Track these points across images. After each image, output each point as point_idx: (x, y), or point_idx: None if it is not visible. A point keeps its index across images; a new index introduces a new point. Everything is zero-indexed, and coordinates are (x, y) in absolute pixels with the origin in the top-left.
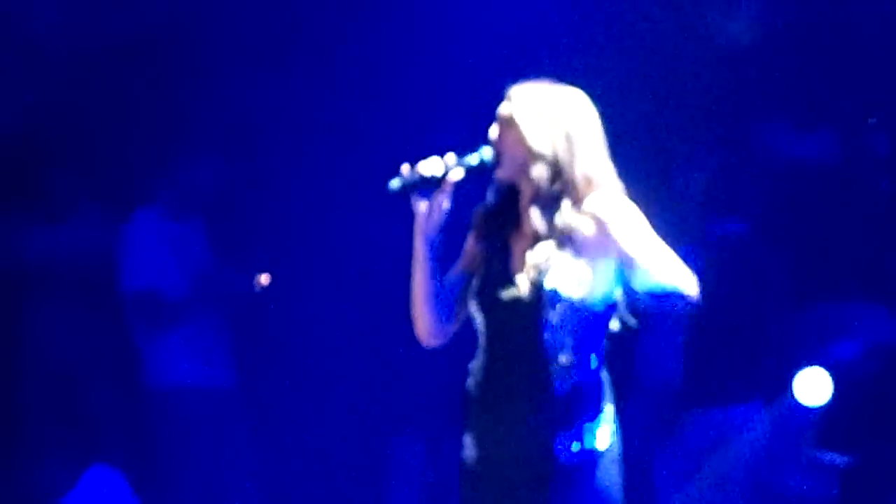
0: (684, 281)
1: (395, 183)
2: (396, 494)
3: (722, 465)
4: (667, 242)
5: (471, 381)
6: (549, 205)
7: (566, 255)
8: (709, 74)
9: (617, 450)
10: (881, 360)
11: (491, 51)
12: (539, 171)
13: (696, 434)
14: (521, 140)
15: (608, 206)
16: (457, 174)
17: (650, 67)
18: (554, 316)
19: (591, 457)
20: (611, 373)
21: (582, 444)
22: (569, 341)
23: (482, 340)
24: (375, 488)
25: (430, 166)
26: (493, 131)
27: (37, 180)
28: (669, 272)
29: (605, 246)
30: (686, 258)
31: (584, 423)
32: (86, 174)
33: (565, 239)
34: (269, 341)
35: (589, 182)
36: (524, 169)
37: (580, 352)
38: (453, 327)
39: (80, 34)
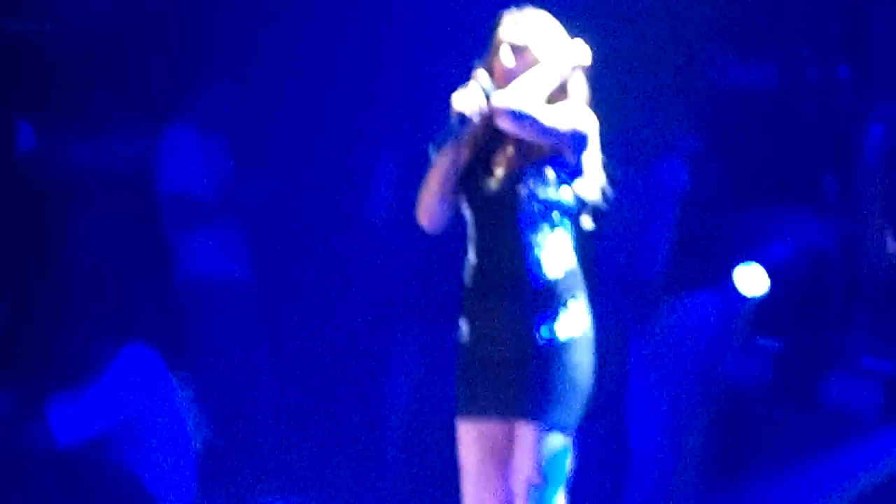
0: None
1: (448, 132)
2: (397, 378)
3: (678, 350)
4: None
5: (465, 272)
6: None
7: (540, 158)
8: (667, 15)
9: (590, 335)
10: (810, 258)
11: None
12: (569, 93)
13: (664, 321)
14: (535, 63)
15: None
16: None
17: (615, 7)
18: (529, 214)
19: (565, 340)
20: (583, 265)
21: (556, 329)
22: (543, 238)
23: (472, 233)
24: (380, 372)
25: (469, 101)
26: (508, 57)
27: (80, 97)
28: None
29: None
30: (651, 170)
31: (559, 310)
32: (124, 92)
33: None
34: (283, 240)
35: (579, 99)
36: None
37: (552, 244)
38: (450, 214)
39: None
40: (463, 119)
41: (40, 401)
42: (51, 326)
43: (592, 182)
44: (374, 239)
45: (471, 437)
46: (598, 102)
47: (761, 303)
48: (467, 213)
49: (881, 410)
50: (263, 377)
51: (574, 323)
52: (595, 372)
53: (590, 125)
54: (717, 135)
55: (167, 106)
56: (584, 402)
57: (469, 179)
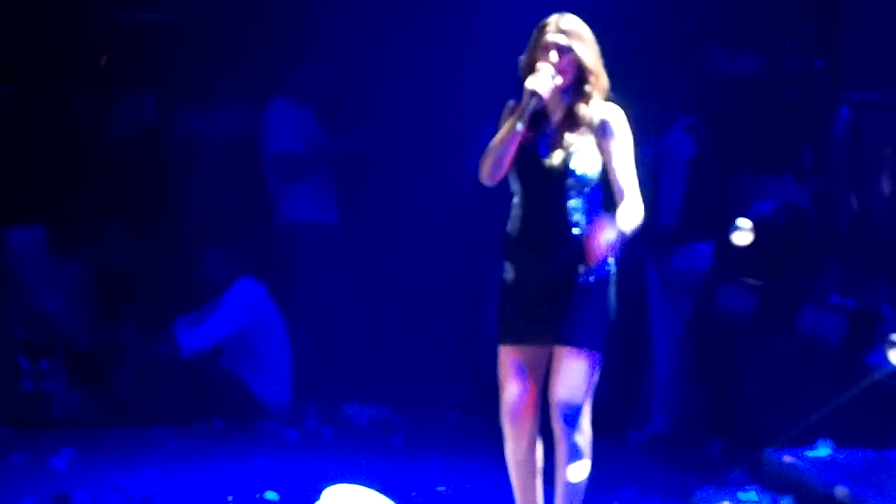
0: (636, 217)
1: (524, 116)
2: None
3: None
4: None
5: (511, 226)
6: (586, 102)
7: (585, 141)
8: (666, 11)
9: (615, 276)
10: (787, 214)
11: None
12: (591, 81)
13: (674, 263)
14: (577, 61)
15: (619, 122)
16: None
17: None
18: (573, 185)
19: (597, 281)
20: None
21: (593, 273)
22: (582, 202)
23: (519, 199)
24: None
25: (542, 82)
26: (554, 56)
27: (198, 77)
28: (633, 209)
29: (604, 147)
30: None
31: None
32: (233, 73)
33: (586, 128)
34: (370, 190)
35: (604, 89)
36: (577, 80)
37: (589, 210)
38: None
39: None
40: (534, 95)
41: (170, 321)
42: (178, 263)
43: (636, 206)
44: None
45: (513, 358)
46: (613, 86)
47: (749, 250)
48: (517, 180)
49: (846, 339)
50: (351, 303)
51: (603, 265)
52: (617, 305)
53: (622, 125)
54: (714, 113)
55: (267, 82)
56: (609, 329)
57: (522, 154)
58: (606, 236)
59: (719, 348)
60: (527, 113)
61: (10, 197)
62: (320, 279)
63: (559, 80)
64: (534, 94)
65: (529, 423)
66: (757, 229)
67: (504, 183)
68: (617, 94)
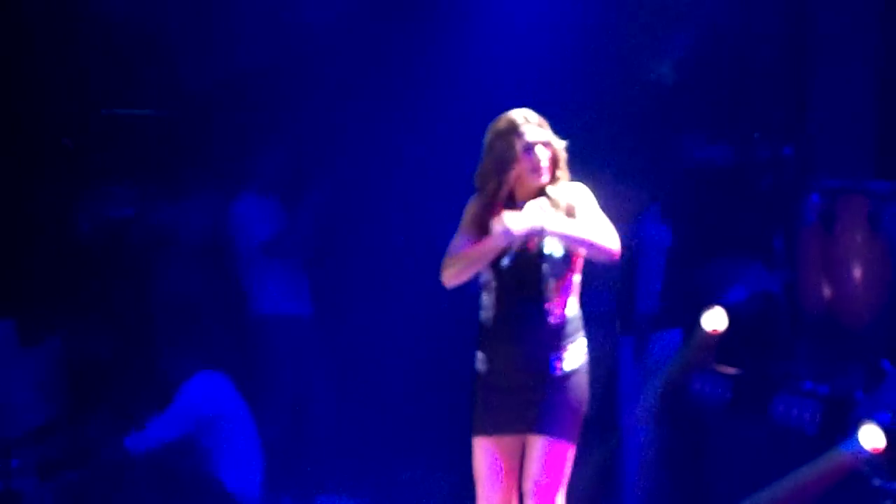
0: (608, 240)
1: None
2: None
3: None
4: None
5: (484, 314)
6: (555, 184)
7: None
8: (642, 101)
9: (587, 365)
10: (760, 301)
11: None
12: (563, 169)
13: (650, 349)
14: (555, 153)
15: (586, 197)
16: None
17: (602, 95)
18: (548, 269)
19: (571, 371)
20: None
21: (565, 361)
22: (558, 286)
23: (493, 286)
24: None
25: (522, 224)
26: (543, 151)
27: (168, 170)
28: (596, 231)
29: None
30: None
31: (568, 346)
32: (203, 165)
33: (557, 210)
34: (340, 279)
35: (565, 172)
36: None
37: (563, 296)
38: None
39: (214, 67)
40: (510, 236)
41: (133, 415)
42: (145, 357)
43: (608, 232)
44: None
45: (488, 451)
46: (591, 175)
47: (722, 336)
48: (489, 270)
49: (819, 425)
50: (327, 392)
51: (578, 356)
52: (590, 395)
53: (588, 195)
54: (687, 202)
55: (234, 173)
56: (582, 418)
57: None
58: (537, 212)
59: (692, 435)
60: (512, 250)
61: None
62: (294, 369)
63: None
64: (514, 234)
65: None
66: (729, 316)
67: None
68: (595, 182)
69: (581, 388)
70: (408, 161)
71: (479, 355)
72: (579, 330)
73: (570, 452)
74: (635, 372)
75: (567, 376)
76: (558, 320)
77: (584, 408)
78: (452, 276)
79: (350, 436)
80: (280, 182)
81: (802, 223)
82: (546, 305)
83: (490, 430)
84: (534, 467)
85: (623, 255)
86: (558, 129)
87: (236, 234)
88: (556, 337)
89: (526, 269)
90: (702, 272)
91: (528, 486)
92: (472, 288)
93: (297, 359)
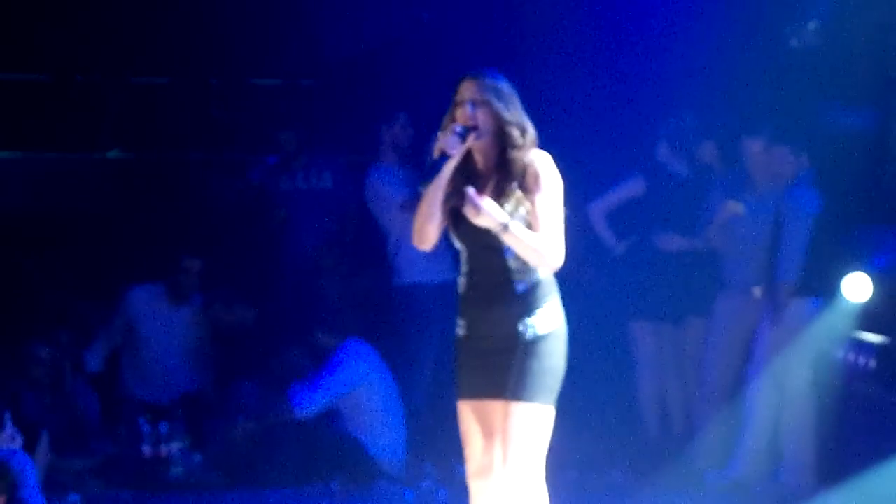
0: (551, 258)
1: (433, 169)
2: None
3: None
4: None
5: (460, 282)
6: (517, 153)
7: (517, 194)
8: (785, 67)
9: (564, 329)
10: None
11: None
12: (513, 132)
13: (789, 317)
14: (495, 115)
15: (547, 169)
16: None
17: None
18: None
19: (543, 334)
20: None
21: (537, 325)
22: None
23: (464, 257)
24: None
25: (449, 142)
26: (466, 110)
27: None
28: (545, 248)
29: (529, 195)
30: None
31: (535, 311)
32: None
33: (518, 180)
34: None
35: (532, 140)
36: (497, 133)
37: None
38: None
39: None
40: (444, 156)
41: (282, 386)
42: (281, 328)
43: (557, 247)
44: None
45: (470, 414)
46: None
47: (866, 305)
48: (458, 241)
49: None
50: None
51: (549, 320)
52: (568, 358)
53: (557, 190)
54: (831, 167)
55: (369, 141)
56: (559, 382)
57: (458, 216)
58: (481, 204)
59: (837, 406)
60: (435, 177)
61: (132, 258)
62: (437, 337)
63: (472, 137)
64: (443, 155)
65: (492, 478)
66: (874, 283)
67: None
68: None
69: (556, 352)
70: None
71: (458, 321)
72: (552, 293)
73: (543, 417)
74: (771, 339)
75: (539, 339)
76: (526, 286)
77: (560, 372)
78: (415, 233)
79: None
80: (411, 149)
81: None
82: (511, 272)
83: (467, 394)
84: (504, 432)
85: (769, 220)
86: (713, 95)
87: (376, 198)
88: (524, 302)
89: (490, 239)
90: (846, 239)
91: (507, 450)
92: None
93: (441, 326)
